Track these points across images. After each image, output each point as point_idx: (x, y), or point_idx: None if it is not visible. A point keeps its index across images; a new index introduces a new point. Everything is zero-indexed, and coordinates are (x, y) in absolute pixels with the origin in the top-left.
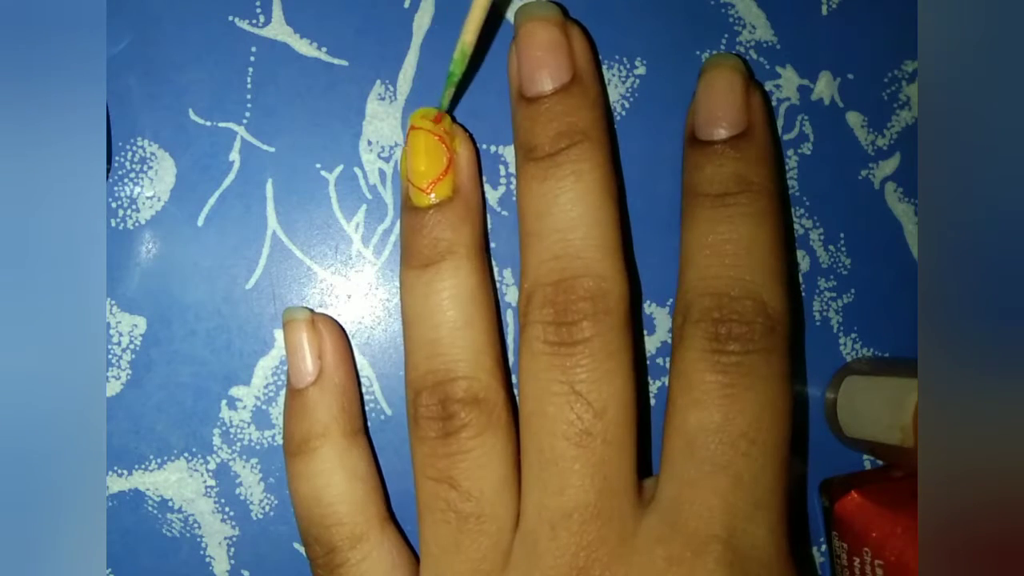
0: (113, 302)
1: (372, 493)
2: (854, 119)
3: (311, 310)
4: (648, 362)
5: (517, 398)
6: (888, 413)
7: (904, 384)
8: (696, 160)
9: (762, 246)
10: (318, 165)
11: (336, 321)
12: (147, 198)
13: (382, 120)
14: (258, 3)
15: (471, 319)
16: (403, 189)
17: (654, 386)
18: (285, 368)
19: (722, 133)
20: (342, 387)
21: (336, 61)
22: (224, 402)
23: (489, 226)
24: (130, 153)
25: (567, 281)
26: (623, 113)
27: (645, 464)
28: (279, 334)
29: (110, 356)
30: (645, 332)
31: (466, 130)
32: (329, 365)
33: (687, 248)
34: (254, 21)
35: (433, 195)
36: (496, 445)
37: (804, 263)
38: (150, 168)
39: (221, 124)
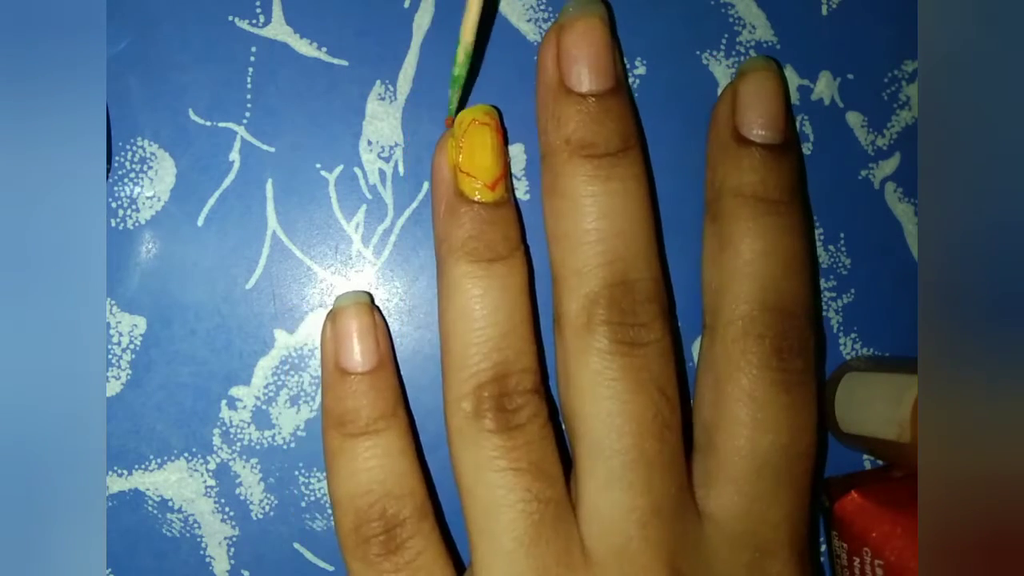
0: (113, 302)
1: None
2: (854, 119)
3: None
4: None
5: (559, 402)
6: (886, 408)
7: (902, 380)
8: (742, 160)
9: (804, 259)
10: (318, 165)
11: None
12: (147, 198)
13: (382, 120)
14: (258, 3)
15: (528, 313)
16: (448, 182)
17: None
18: (285, 368)
19: (777, 138)
20: (396, 371)
21: (336, 61)
22: (224, 402)
23: None
24: (130, 153)
25: (630, 283)
26: None
27: None
28: (279, 334)
29: (110, 356)
30: None
31: None
32: (387, 349)
33: (734, 252)
34: (254, 21)
35: (496, 192)
36: (552, 435)
37: None
38: (150, 168)
39: (221, 124)
